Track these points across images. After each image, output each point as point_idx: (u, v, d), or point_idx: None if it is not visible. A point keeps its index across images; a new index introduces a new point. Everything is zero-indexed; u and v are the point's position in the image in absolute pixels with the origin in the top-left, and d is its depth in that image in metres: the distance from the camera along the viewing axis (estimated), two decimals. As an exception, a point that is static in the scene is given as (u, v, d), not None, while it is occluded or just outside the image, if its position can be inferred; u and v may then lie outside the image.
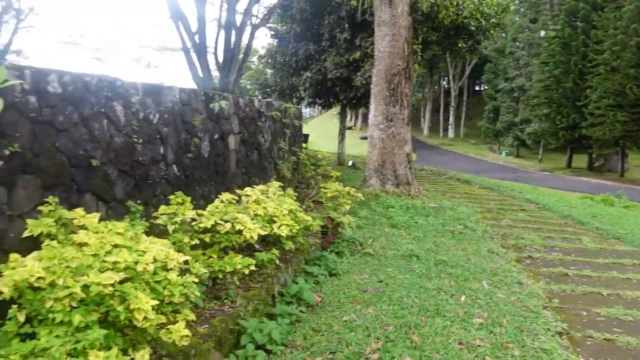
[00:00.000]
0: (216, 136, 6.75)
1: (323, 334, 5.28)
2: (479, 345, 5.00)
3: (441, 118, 58.69)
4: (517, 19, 47.05)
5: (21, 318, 3.20)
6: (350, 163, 22.54)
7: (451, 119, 56.45)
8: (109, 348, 3.30)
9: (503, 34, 48.41)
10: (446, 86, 64.15)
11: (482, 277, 7.22)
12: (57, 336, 3.13)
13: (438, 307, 5.96)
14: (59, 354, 2.99)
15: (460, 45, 22.01)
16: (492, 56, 50.80)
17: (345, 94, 19.34)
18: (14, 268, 3.32)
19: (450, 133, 56.63)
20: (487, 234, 10.23)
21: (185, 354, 4.06)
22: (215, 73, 19.26)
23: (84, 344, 3.13)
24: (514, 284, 6.98)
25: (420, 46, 19.83)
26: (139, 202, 5.11)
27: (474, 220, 11.42)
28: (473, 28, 20.14)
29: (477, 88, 70.54)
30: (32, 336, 3.24)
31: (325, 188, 9.77)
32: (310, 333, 5.32)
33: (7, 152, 3.70)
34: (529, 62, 44.09)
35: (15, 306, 3.26)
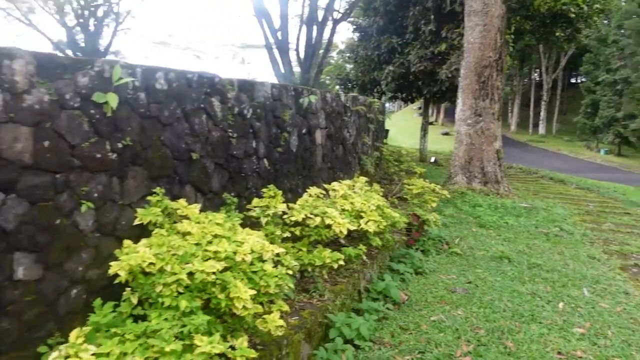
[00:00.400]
0: (304, 131, 6.92)
1: (411, 333, 5.28)
2: (580, 357, 4.76)
3: (531, 113, 55.81)
4: (623, 3, 43.60)
5: (134, 300, 3.50)
6: (432, 159, 22.10)
7: (542, 113, 53.50)
8: (211, 333, 3.52)
9: (606, 21, 45.01)
10: (537, 79, 60.85)
11: (582, 284, 6.85)
12: (165, 319, 3.39)
13: (533, 313, 5.74)
14: (168, 336, 3.24)
15: (557, 34, 20.73)
16: (593, 46, 47.42)
17: (428, 87, 18.96)
18: (127, 254, 3.63)
19: (541, 129, 53.71)
20: (586, 238, 9.65)
21: (277, 344, 4.24)
22: (296, 69, 19.67)
23: (189, 328, 3.37)
24: (619, 294, 6.55)
25: (512, 36, 18.97)
26: (232, 194, 5.37)
27: (570, 222, 10.82)
28: (573, 15, 18.90)
29: (572, 81, 66.36)
30: (143, 318, 3.54)
31: (409, 184, 9.69)
32: (398, 331, 5.34)
33: (120, 145, 4.05)
34: (636, 51, 40.70)
35: (128, 289, 3.57)
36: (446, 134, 46.61)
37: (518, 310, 5.82)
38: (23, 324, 3.38)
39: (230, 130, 5.34)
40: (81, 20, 21.01)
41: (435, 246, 8.45)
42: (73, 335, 3.19)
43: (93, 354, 3.08)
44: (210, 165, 5.06)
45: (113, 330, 3.31)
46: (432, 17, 17.43)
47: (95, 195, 3.84)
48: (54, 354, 3.16)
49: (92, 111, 3.79)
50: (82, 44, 20.98)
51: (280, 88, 6.38)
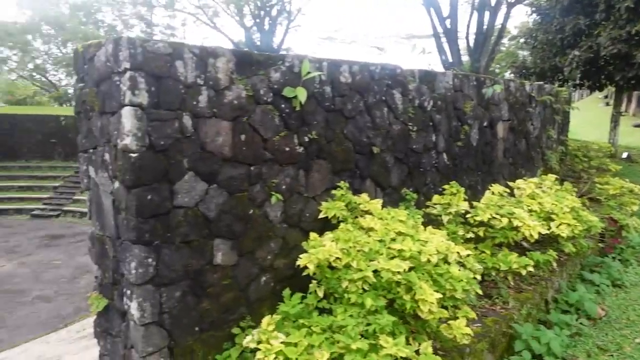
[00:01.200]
0: (485, 123, 6.42)
1: (611, 355, 4.57)
2: None
3: None
4: None
5: (320, 294, 3.49)
6: (624, 155, 19.32)
7: None
8: (394, 334, 3.36)
9: None
10: None
11: None
12: (351, 316, 3.31)
13: None
14: (354, 333, 3.15)
15: None
16: None
17: (622, 73, 16.49)
18: (313, 246, 3.64)
19: None
20: None
21: (460, 351, 3.93)
22: (464, 58, 18.67)
23: (374, 327, 3.24)
24: None
25: None
26: (411, 189, 5.16)
27: None
28: None
29: None
30: (328, 311, 3.52)
31: (603, 184, 8.49)
32: (595, 351, 4.66)
33: (306, 138, 4.08)
34: None
35: (314, 282, 3.58)
36: (639, 125, 40.60)
37: None
38: (220, 305, 3.59)
39: (410, 124, 5.12)
40: (257, 20, 22.68)
41: (636, 256, 7.29)
42: (264, 322, 3.28)
43: (282, 342, 3.13)
44: (390, 160, 4.90)
45: (300, 321, 3.34)
46: (631, -9, 15.09)
47: (284, 187, 3.93)
48: (248, 337, 3.29)
49: (283, 105, 3.88)
50: (258, 43, 22.61)
51: (462, 78, 5.97)
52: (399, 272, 3.42)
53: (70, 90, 31.22)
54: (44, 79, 34.14)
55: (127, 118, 2.95)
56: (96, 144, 3.41)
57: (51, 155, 19.16)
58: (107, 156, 3.26)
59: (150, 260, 3.12)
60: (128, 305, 3.18)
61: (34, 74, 33.93)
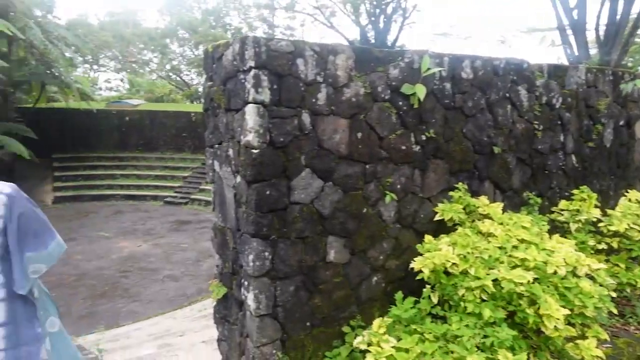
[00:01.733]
0: (621, 122, 5.67)
1: None
2: None
3: None
4: None
5: (434, 299, 3.27)
6: None
7: None
8: (513, 349, 3.04)
9: None
10: None
11: None
12: (466, 326, 3.06)
13: None
14: (470, 345, 2.90)
15: None
16: None
17: None
18: (428, 250, 3.43)
19: None
20: None
21: (587, 375, 3.49)
22: (593, 51, 16.89)
23: (492, 340, 2.96)
24: None
25: None
26: (534, 193, 4.70)
27: None
28: None
29: None
30: (441, 318, 3.28)
31: None
32: None
33: (423, 137, 3.86)
34: None
35: (428, 286, 3.37)
36: None
37: None
38: (331, 302, 3.52)
39: (535, 122, 4.65)
40: (372, 19, 22.48)
41: None
42: (376, 324, 3.14)
43: (393, 346, 2.96)
44: (512, 161, 4.49)
45: (413, 326, 3.15)
46: None
47: (398, 187, 3.76)
48: (358, 338, 3.17)
49: (400, 103, 3.69)
50: (372, 41, 22.42)
51: (597, 73, 5.31)
52: (521, 283, 3.09)
53: (200, 89, 33.57)
54: (178, 78, 37.10)
55: (250, 115, 2.97)
56: (221, 140, 3.50)
57: (182, 148, 20.72)
58: (230, 151, 3.32)
59: (267, 253, 3.13)
60: (245, 296, 3.22)
61: (170, 74, 37.04)
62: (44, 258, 1.71)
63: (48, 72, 17.91)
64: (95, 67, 36.79)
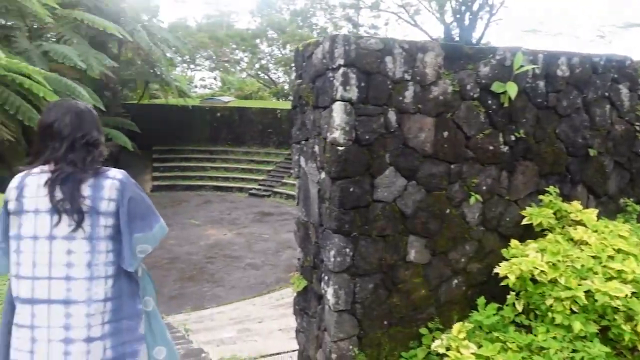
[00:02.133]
0: None
1: None
2: None
3: None
4: None
5: (519, 307, 3.06)
6: None
7: None
8: (605, 367, 2.78)
9: None
10: None
11: None
12: (554, 338, 2.83)
13: None
14: (557, 358, 2.69)
15: None
16: None
17: None
18: (514, 255, 3.22)
19: None
20: None
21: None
22: None
23: (582, 355, 2.72)
24: None
25: None
26: (632, 200, 4.27)
27: None
28: None
29: None
30: (526, 328, 3.07)
31: None
32: None
33: (512, 137, 3.63)
34: None
35: (512, 294, 3.16)
36: None
37: None
38: (409, 303, 3.42)
39: (637, 124, 4.22)
40: (458, 16, 21.70)
41: None
42: (455, 328, 3.01)
43: (473, 353, 2.82)
44: (609, 164, 4.11)
45: (495, 334, 2.97)
46: None
47: (484, 188, 3.56)
48: (437, 342, 3.05)
49: (489, 102, 3.50)
50: (457, 38, 21.66)
51: None
52: (617, 297, 2.81)
53: (286, 87, 34.38)
54: (266, 76, 38.25)
55: (338, 112, 2.95)
56: (308, 136, 3.51)
57: (267, 143, 21.33)
58: (316, 148, 3.32)
59: (348, 250, 3.10)
60: (325, 290, 3.22)
61: (259, 72, 38.27)
62: (150, 239, 1.80)
63: (151, 71, 19.19)
64: (192, 66, 38.91)
